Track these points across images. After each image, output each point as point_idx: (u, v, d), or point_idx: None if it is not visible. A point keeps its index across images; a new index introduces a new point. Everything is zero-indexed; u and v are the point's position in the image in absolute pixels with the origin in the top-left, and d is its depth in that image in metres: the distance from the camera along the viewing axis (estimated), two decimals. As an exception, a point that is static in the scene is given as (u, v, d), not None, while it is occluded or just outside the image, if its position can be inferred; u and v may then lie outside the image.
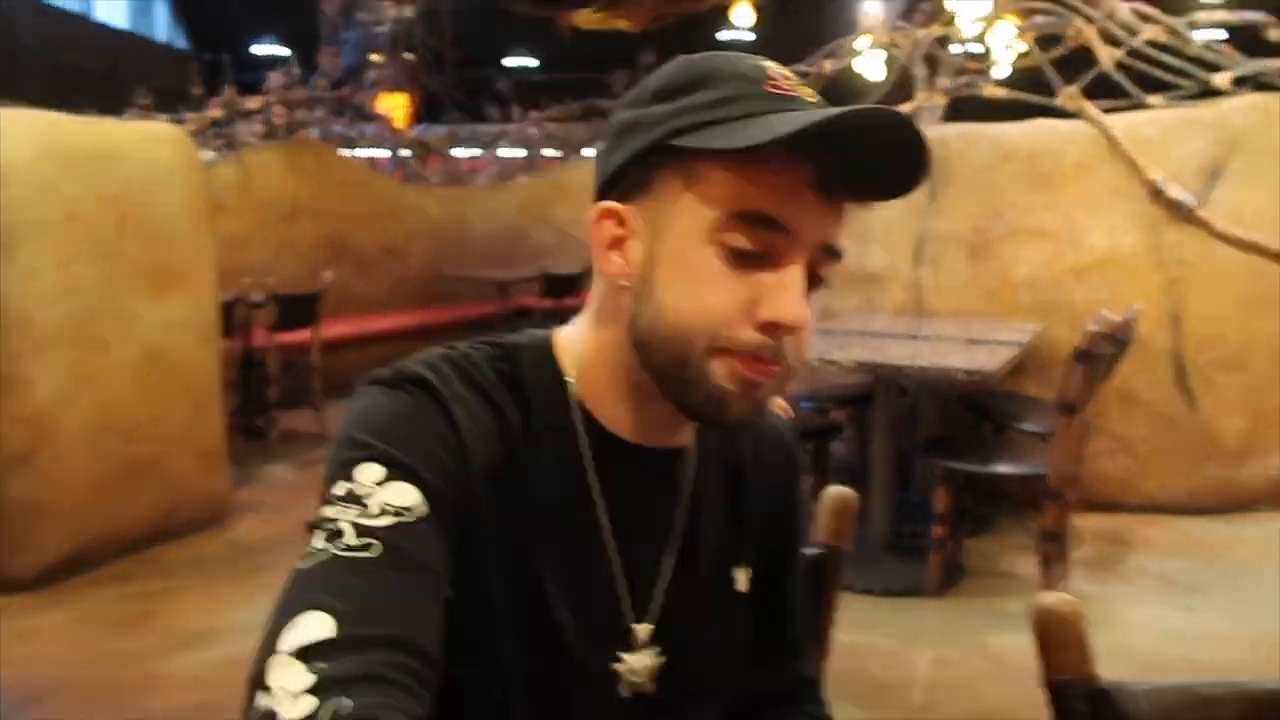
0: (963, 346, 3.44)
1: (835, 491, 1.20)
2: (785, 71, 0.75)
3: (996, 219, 4.36)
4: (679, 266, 0.73)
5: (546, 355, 0.82)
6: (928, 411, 4.08)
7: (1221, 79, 4.66)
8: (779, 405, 0.98)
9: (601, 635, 0.81)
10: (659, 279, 0.74)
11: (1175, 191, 4.15)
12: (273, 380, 5.19)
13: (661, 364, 0.75)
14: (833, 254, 0.75)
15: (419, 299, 7.29)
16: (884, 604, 3.18)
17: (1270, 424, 4.20)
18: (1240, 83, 4.64)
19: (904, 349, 3.40)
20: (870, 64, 5.91)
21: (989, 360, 3.14)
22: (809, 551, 1.15)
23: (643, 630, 0.82)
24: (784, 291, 0.71)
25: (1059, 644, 0.90)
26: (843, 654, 2.82)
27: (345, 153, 7.93)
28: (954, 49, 5.59)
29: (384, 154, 9.94)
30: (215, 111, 6.89)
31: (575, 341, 0.83)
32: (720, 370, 0.73)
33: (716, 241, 0.71)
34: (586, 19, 12.72)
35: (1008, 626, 2.94)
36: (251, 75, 8.92)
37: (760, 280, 0.72)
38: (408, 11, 11.47)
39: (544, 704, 0.79)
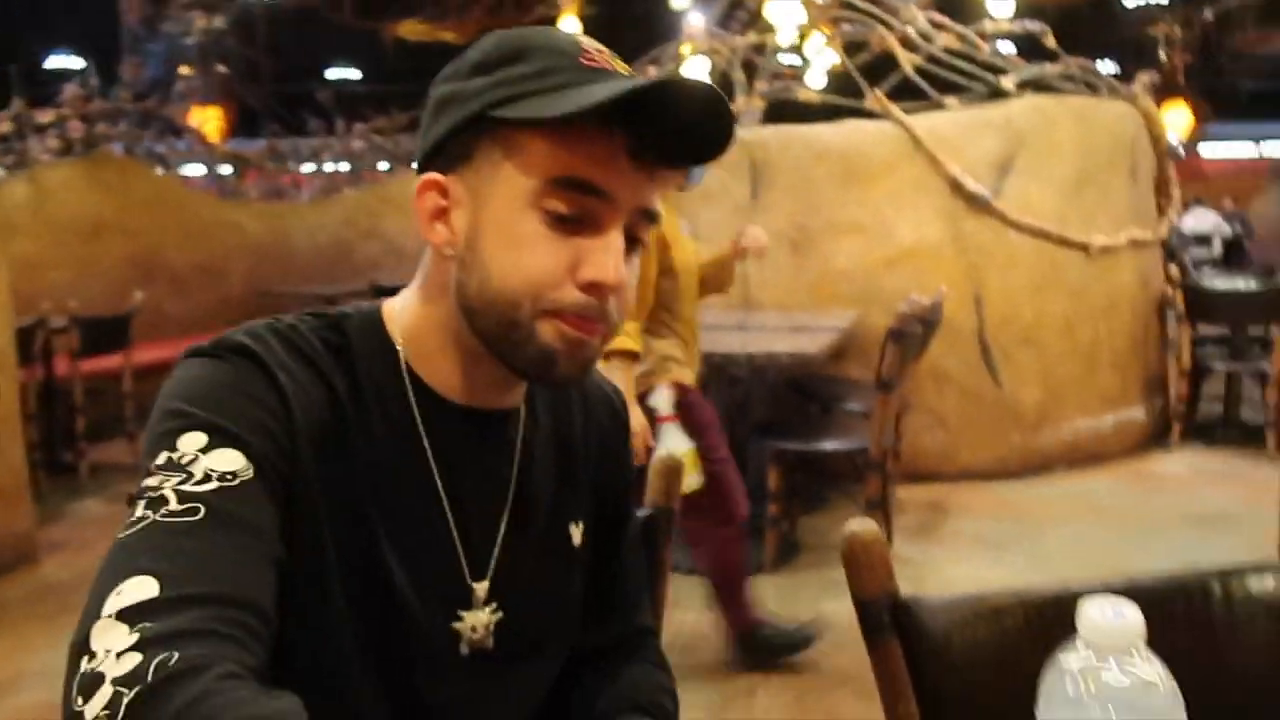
0: (788, 334, 3.61)
1: (662, 455, 1.25)
2: (599, 46, 0.78)
3: (814, 215, 4.59)
4: (502, 233, 0.75)
5: (375, 324, 0.83)
6: (759, 398, 4.24)
7: (1007, 82, 5.10)
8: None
9: (440, 595, 0.82)
10: (483, 246, 0.76)
11: (972, 185, 4.51)
12: (79, 410, 4.82)
13: (490, 327, 0.77)
14: (649, 217, 0.79)
15: (242, 318, 6.85)
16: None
17: (1061, 394, 4.61)
18: (1023, 86, 5.10)
19: (733, 339, 3.53)
20: (693, 70, 6.10)
21: (811, 345, 3.31)
22: (640, 513, 1.19)
23: (480, 588, 0.83)
24: (604, 253, 0.75)
25: (865, 565, 0.97)
26: (689, 632, 2.95)
27: (160, 170, 7.48)
28: (771, 55, 5.86)
29: (199, 169, 9.44)
30: (3, 126, 6.36)
31: (403, 311, 0.84)
32: (547, 331, 0.76)
33: (537, 207, 0.74)
34: (412, 30, 12.51)
35: (840, 594, 3.06)
36: (46, 88, 8.27)
37: (581, 244, 0.75)
38: (218, 22, 10.92)
39: (384, 664, 0.79)
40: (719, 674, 2.77)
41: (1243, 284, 5.55)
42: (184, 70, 10.12)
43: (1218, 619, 1.05)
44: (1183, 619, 1.05)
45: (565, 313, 0.75)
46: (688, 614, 2.97)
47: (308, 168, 8.99)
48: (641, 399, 2.52)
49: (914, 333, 3.22)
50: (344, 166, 9.06)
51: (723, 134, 0.76)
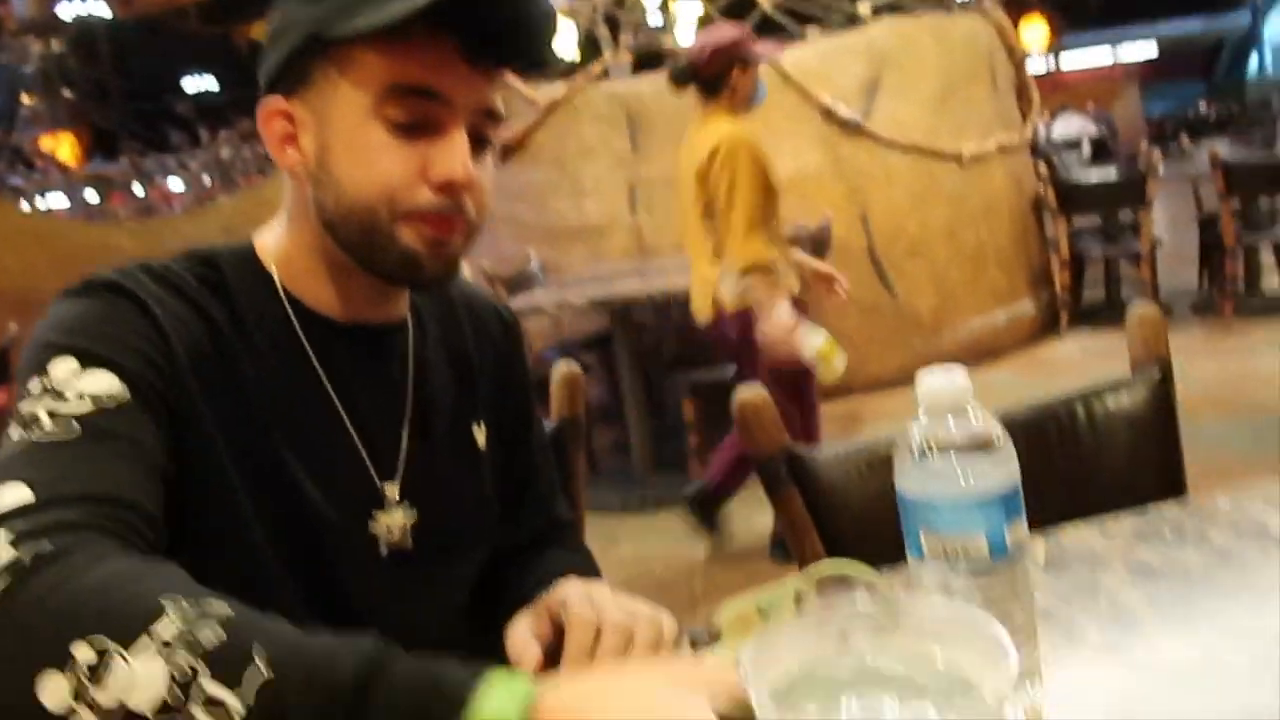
0: (682, 271, 3.66)
1: (562, 368, 1.28)
2: None
3: (696, 157, 4.65)
4: (349, 148, 0.78)
5: (248, 256, 0.84)
6: (668, 340, 4.31)
7: (863, 8, 5.23)
8: None
9: (351, 498, 0.84)
10: (333, 163, 0.79)
11: (844, 111, 4.63)
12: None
13: (352, 238, 0.80)
14: (493, 117, 0.82)
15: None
16: (657, 517, 3.38)
17: (954, 297, 4.80)
18: (878, 11, 5.24)
19: (633, 284, 3.57)
20: (559, 34, 6.07)
21: (709, 278, 3.37)
22: (550, 424, 1.23)
23: (391, 488, 0.86)
24: (449, 152, 0.78)
25: (758, 427, 1.03)
26: (628, 564, 3.02)
27: (23, 204, 7.11)
28: (634, 9, 5.86)
29: (60, 199, 9.01)
30: None
31: (273, 240, 0.86)
32: (407, 234, 0.79)
33: (378, 117, 0.77)
34: (263, 31, 12.08)
35: (766, 510, 3.20)
36: None
37: (426, 148, 0.78)
38: (56, 45, 10.38)
39: (307, 572, 0.81)
40: (688, 611, 2.85)
41: (1108, 175, 5.83)
42: (26, 99, 9.60)
43: (1083, 434, 1.14)
44: (1055, 438, 1.14)
45: (422, 214, 0.78)
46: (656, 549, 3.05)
47: (175, 182, 8.66)
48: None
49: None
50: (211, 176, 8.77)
51: (546, 26, 0.79)
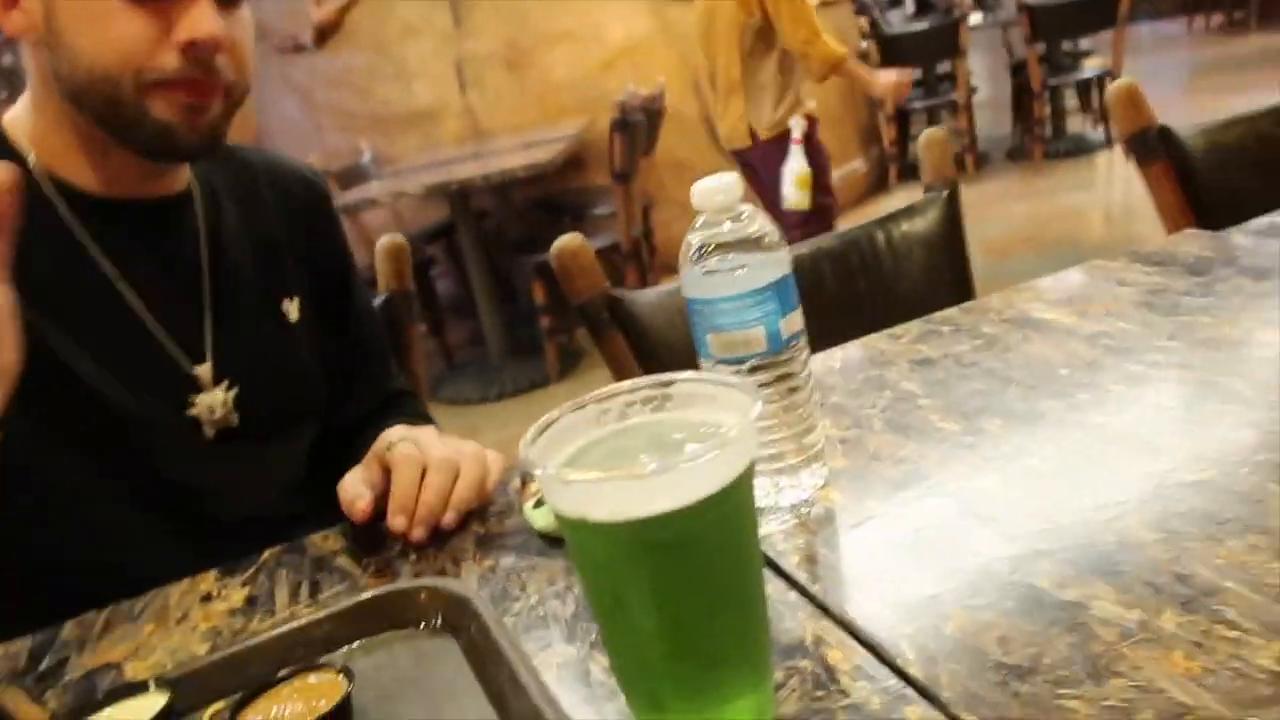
0: (521, 152, 3.61)
1: (385, 240, 1.27)
2: None
3: (524, 31, 4.51)
4: (77, 8, 0.72)
5: None
6: (511, 224, 4.27)
7: None
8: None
9: (159, 388, 0.82)
10: (63, 27, 0.73)
11: (667, -27, 4.56)
12: None
13: (99, 110, 0.75)
14: None
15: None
16: (516, 403, 3.42)
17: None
18: None
19: (470, 167, 3.50)
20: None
21: (544, 155, 3.34)
22: (378, 299, 1.22)
23: (203, 370, 0.84)
24: (193, 9, 0.73)
25: (577, 273, 1.06)
26: (492, 452, 3.06)
27: None
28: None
29: None
30: None
31: (23, 117, 0.80)
32: (158, 105, 0.75)
33: None
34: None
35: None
36: None
37: (168, 7, 0.73)
38: None
39: (124, 470, 0.80)
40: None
41: (923, 25, 6.00)
42: None
43: (884, 256, 1.22)
44: (858, 263, 1.22)
45: (172, 82, 0.74)
46: (519, 435, 3.07)
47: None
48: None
49: (637, 122, 3.31)
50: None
51: None
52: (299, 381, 0.94)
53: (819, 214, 2.94)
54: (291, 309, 0.93)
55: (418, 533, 0.71)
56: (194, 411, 0.83)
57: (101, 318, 0.80)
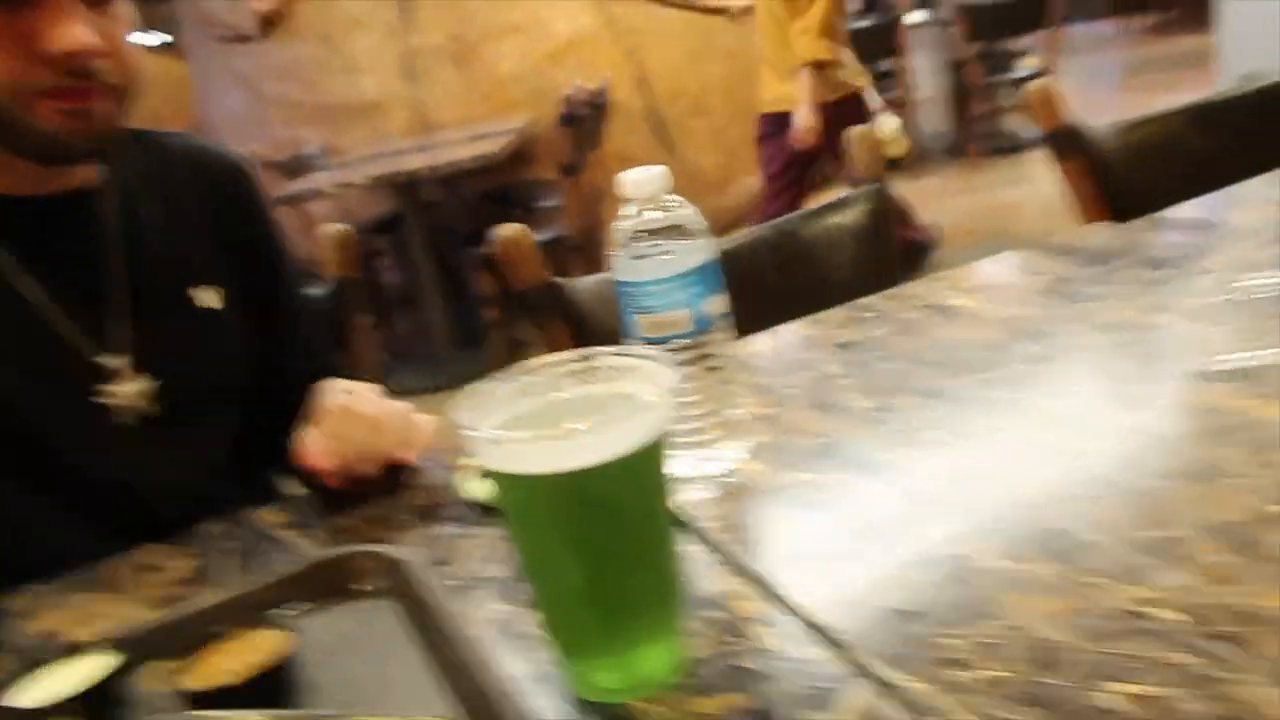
0: (468, 144, 3.62)
1: (331, 229, 1.28)
2: None
3: (470, 25, 4.51)
4: None
5: None
6: (459, 217, 4.27)
7: None
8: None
9: (62, 379, 0.82)
10: None
11: (613, -32, 4.60)
12: None
13: None
14: None
15: None
16: (461, 393, 3.42)
17: (736, 154, 4.97)
18: None
19: (417, 159, 3.50)
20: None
21: (492, 146, 3.36)
22: (324, 288, 1.23)
23: (117, 361, 0.84)
24: (57, 21, 0.72)
25: (517, 261, 1.09)
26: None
27: None
28: None
29: None
30: None
31: None
32: (42, 115, 0.74)
33: None
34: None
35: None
36: None
37: (31, 18, 0.72)
38: None
39: (31, 461, 0.80)
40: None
41: (868, 22, 6.10)
42: None
43: (817, 247, 1.27)
44: (792, 253, 1.27)
45: (49, 92, 0.73)
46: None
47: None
48: (837, 103, 3.16)
49: (583, 115, 3.34)
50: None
51: None
52: (222, 369, 0.93)
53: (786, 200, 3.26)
54: (213, 297, 0.92)
55: (335, 480, 0.75)
56: (106, 400, 0.83)
57: (9, 318, 0.80)
